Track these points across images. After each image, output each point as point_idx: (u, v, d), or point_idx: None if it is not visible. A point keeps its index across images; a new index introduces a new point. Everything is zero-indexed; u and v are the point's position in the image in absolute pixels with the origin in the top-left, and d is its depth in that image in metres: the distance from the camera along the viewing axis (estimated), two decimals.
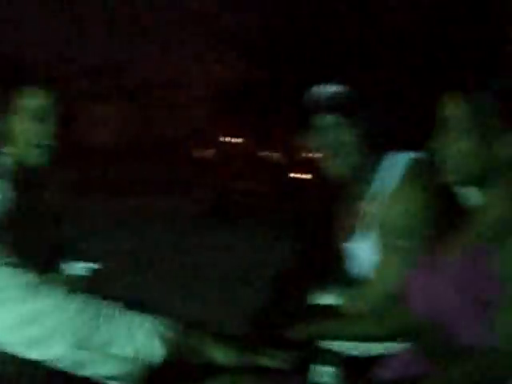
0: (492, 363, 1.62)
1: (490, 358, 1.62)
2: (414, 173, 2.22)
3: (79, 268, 2.33)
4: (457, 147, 1.76)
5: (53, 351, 1.59)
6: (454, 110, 1.77)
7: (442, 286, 1.73)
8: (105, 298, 1.69)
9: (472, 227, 1.79)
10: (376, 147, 2.27)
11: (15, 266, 1.64)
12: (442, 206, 2.11)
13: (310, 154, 8.16)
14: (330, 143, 2.24)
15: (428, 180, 2.13)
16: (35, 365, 1.63)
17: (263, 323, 2.30)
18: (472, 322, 1.66)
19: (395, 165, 2.26)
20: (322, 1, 12.45)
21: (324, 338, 2.11)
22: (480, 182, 1.78)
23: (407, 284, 1.90)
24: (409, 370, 1.81)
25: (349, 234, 2.39)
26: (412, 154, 2.28)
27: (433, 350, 1.77)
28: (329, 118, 2.24)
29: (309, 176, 8.22)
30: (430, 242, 1.99)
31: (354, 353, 2.03)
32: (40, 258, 2.51)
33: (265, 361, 1.66)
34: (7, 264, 1.63)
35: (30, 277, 1.63)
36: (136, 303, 1.93)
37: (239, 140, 10.18)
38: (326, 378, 1.58)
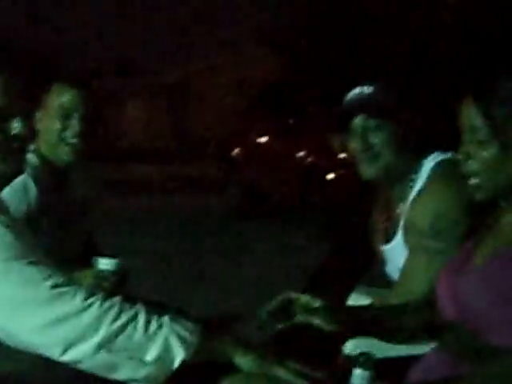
0: None
1: None
2: (442, 173, 2.21)
3: (106, 263, 2.33)
4: (478, 158, 1.69)
5: (77, 353, 1.59)
6: (468, 118, 1.70)
7: (471, 287, 1.70)
8: (127, 297, 1.68)
9: (503, 228, 1.75)
10: (412, 150, 2.26)
11: (42, 265, 1.62)
12: (474, 206, 2.07)
13: (345, 155, 8.12)
14: (364, 145, 2.23)
15: (460, 181, 2.09)
16: (60, 366, 1.62)
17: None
18: (501, 324, 1.64)
19: (425, 166, 2.25)
20: (360, 2, 12.40)
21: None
22: (508, 193, 1.71)
23: (437, 285, 1.86)
24: (436, 372, 1.78)
25: (384, 236, 2.38)
26: (441, 155, 2.26)
27: (461, 352, 1.74)
28: (364, 120, 2.23)
29: (343, 177, 8.19)
30: (462, 243, 1.95)
31: (384, 355, 2.00)
32: (69, 255, 2.52)
33: (282, 374, 1.64)
34: (33, 263, 1.61)
35: (57, 276, 1.61)
36: (158, 304, 1.91)
37: (273, 140, 10.20)
38: (360, 381, 1.55)
